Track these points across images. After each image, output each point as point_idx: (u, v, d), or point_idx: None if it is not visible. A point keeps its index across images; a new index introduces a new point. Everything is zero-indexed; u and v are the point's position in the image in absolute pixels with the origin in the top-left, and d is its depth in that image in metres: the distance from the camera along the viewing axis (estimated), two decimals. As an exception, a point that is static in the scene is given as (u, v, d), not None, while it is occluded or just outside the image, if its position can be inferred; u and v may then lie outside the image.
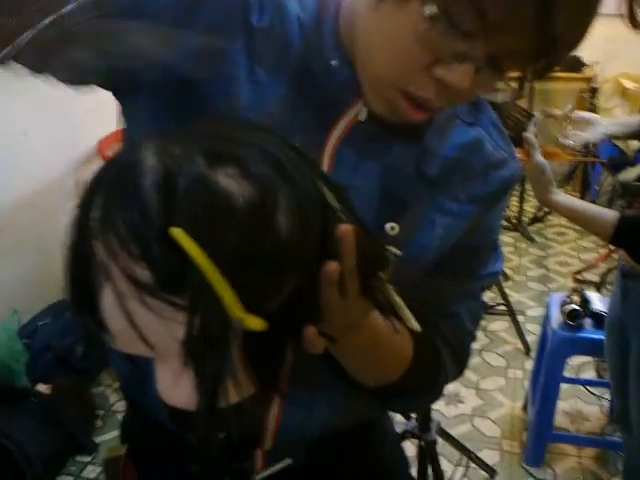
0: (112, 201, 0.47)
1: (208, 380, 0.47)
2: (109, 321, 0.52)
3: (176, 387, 0.52)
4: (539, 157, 1.53)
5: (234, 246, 0.45)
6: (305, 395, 0.78)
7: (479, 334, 2.75)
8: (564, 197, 1.58)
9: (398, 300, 0.59)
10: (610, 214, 1.52)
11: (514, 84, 0.64)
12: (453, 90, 0.59)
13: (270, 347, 0.57)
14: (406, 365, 0.73)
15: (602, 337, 2.08)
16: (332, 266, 0.53)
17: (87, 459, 2.38)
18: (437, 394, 0.86)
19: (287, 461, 0.73)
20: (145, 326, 0.50)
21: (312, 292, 0.55)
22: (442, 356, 0.80)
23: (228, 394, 0.49)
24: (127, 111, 0.73)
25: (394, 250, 0.72)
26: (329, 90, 0.68)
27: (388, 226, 0.72)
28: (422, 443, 1.98)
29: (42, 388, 2.44)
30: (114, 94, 0.71)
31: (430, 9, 0.55)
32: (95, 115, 2.99)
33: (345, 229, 0.52)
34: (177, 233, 0.44)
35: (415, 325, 0.60)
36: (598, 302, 2.24)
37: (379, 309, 0.61)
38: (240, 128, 0.50)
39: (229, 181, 0.46)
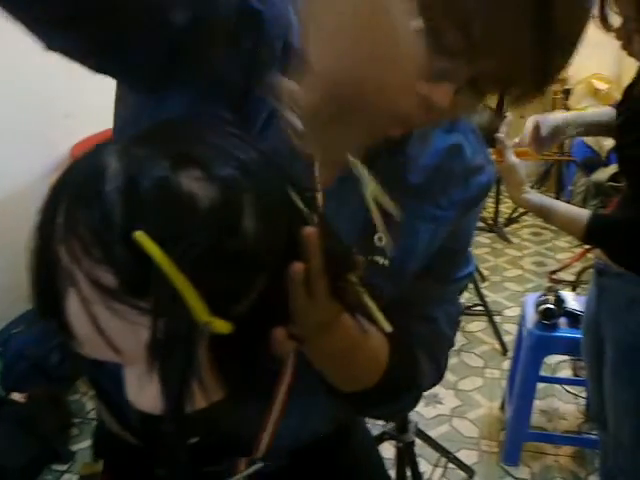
0: (75, 205, 0.46)
1: (174, 384, 0.47)
2: (75, 326, 0.52)
3: (144, 391, 0.52)
4: (512, 157, 1.55)
5: (198, 249, 0.45)
6: (302, 406, 0.78)
7: (457, 335, 2.77)
8: (537, 197, 1.60)
9: (369, 302, 0.59)
10: (583, 213, 1.53)
11: (493, 107, 0.65)
12: (432, 108, 0.59)
13: (239, 350, 0.57)
14: (382, 370, 0.73)
15: (577, 336, 2.10)
16: (298, 267, 0.53)
17: (63, 468, 2.35)
18: (414, 400, 0.85)
19: (259, 465, 0.73)
20: (111, 331, 0.50)
21: (280, 294, 0.55)
22: (419, 361, 0.80)
23: (195, 398, 0.49)
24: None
25: (382, 260, 0.73)
26: None
27: (376, 237, 0.73)
28: (400, 444, 1.98)
29: (17, 397, 2.41)
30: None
31: (416, 23, 0.56)
32: (70, 120, 2.98)
33: (309, 230, 0.52)
34: (140, 237, 0.43)
35: (387, 326, 0.60)
36: (572, 301, 2.26)
37: (349, 311, 0.61)
38: (205, 130, 0.50)
39: (193, 183, 0.45)
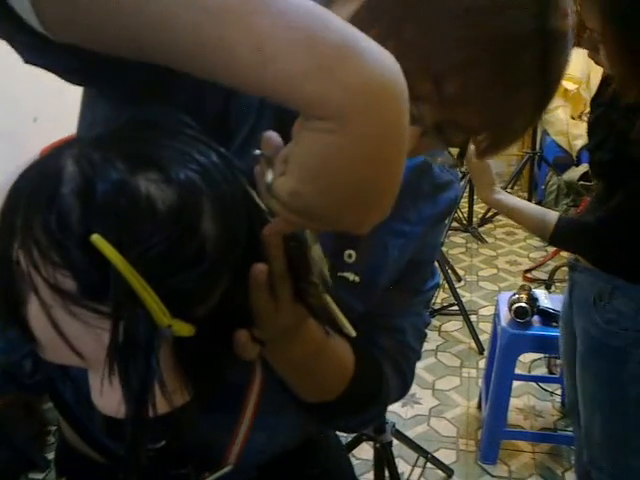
0: (32, 209, 0.46)
1: (135, 388, 0.47)
2: (37, 331, 0.51)
3: (107, 395, 0.52)
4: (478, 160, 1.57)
5: (156, 251, 0.45)
6: (270, 421, 0.78)
7: (434, 335, 2.77)
8: (506, 197, 1.62)
9: (333, 306, 0.59)
10: (550, 215, 1.56)
11: (455, 153, 0.66)
12: None
13: (202, 354, 0.56)
14: (347, 380, 0.73)
15: (550, 334, 2.13)
16: (259, 268, 0.53)
17: (40, 476, 2.33)
18: (379, 412, 0.85)
19: (227, 468, 0.73)
20: (73, 335, 0.50)
21: (243, 296, 0.55)
22: (385, 372, 0.80)
23: (157, 402, 0.49)
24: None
25: (352, 276, 0.74)
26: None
27: (346, 254, 0.73)
28: (377, 445, 1.99)
29: (-10, 405, 2.38)
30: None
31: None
32: (39, 124, 2.95)
33: (269, 230, 0.52)
34: (97, 240, 0.43)
35: (351, 330, 0.60)
36: (545, 299, 2.28)
37: (313, 314, 0.61)
38: (164, 133, 0.50)
39: (151, 186, 0.45)
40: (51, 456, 2.40)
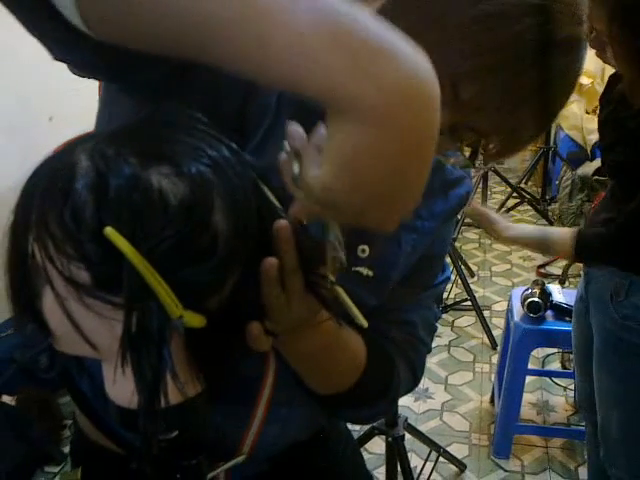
0: (47, 203, 0.47)
1: (147, 378, 0.48)
2: (51, 323, 0.53)
3: (120, 386, 0.53)
4: (474, 206, 1.59)
5: (168, 244, 0.46)
6: (283, 411, 0.79)
7: (447, 330, 2.77)
8: (517, 230, 1.63)
9: (345, 297, 0.60)
10: (567, 233, 1.56)
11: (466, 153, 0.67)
12: None
13: (214, 345, 0.57)
14: (359, 372, 0.73)
15: (563, 328, 2.12)
16: (269, 262, 0.54)
17: (55, 469, 2.36)
18: (390, 405, 0.85)
19: (240, 458, 0.74)
20: (87, 326, 0.51)
21: (255, 289, 0.56)
22: (396, 364, 0.80)
23: (169, 392, 0.49)
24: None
25: (366, 271, 0.74)
26: None
27: (360, 248, 0.74)
28: (390, 439, 2.00)
29: (7, 399, 2.41)
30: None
31: None
32: (54, 123, 2.97)
33: (281, 224, 0.53)
34: (110, 232, 0.44)
35: (363, 321, 0.60)
36: (558, 294, 2.28)
37: (325, 306, 0.62)
38: (176, 128, 0.51)
39: (162, 180, 0.46)
40: (67, 450, 2.42)
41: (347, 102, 0.41)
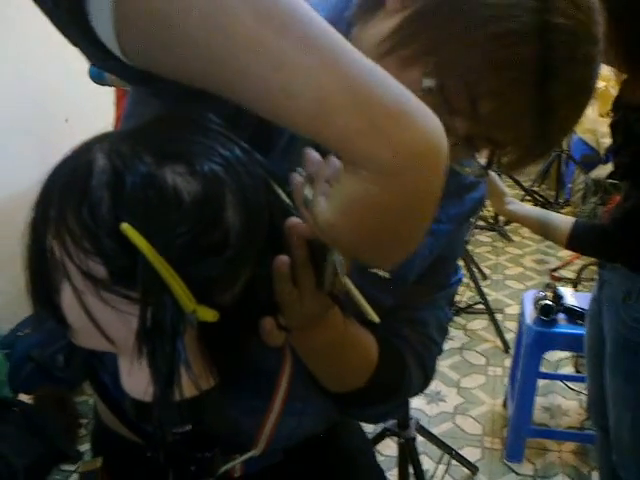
0: (65, 200, 0.49)
1: (162, 370, 0.49)
2: (69, 317, 0.54)
3: (136, 379, 0.54)
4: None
5: (182, 240, 0.47)
6: (299, 405, 0.80)
7: (459, 333, 2.77)
8: (520, 206, 1.63)
9: (356, 293, 0.61)
10: (566, 221, 1.56)
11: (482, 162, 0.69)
12: None
13: (229, 339, 0.59)
14: (371, 370, 0.74)
15: (576, 332, 2.12)
16: (281, 259, 0.56)
17: (72, 467, 2.38)
18: (401, 403, 0.86)
19: (254, 451, 0.75)
20: (104, 321, 0.52)
21: (268, 285, 0.57)
22: (408, 364, 0.81)
23: (183, 385, 0.51)
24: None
25: (382, 273, 0.75)
26: None
27: None
28: (402, 441, 2.00)
29: (24, 398, 2.44)
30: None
31: (428, 82, 0.59)
32: (70, 124, 3.01)
33: (292, 222, 0.55)
34: (126, 228, 0.46)
35: (374, 317, 0.61)
36: (571, 297, 2.28)
37: (336, 301, 0.63)
38: (190, 128, 0.53)
39: (176, 178, 0.48)
40: (83, 448, 2.45)
41: (359, 157, 0.44)
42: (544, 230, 1.61)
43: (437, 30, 0.59)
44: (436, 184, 0.46)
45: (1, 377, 2.45)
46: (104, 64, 0.52)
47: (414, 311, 0.84)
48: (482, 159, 0.69)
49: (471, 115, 0.60)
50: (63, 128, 2.97)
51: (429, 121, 0.44)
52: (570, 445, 2.51)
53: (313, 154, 0.54)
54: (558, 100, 0.60)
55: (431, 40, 0.59)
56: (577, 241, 1.54)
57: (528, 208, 1.66)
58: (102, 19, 0.44)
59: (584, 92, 0.62)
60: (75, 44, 0.50)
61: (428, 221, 0.48)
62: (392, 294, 0.78)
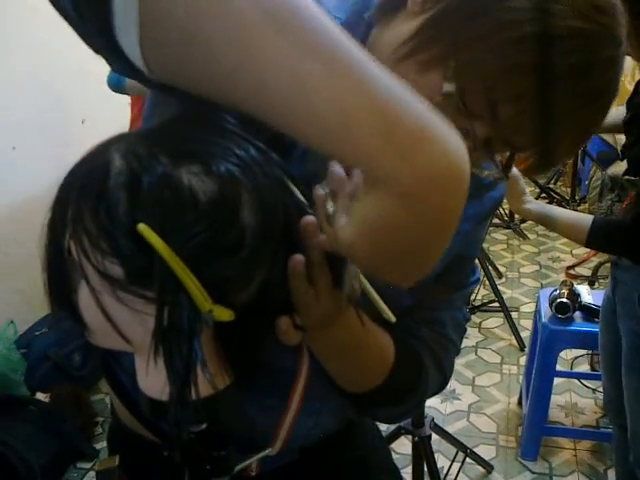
0: (83, 201, 0.49)
1: (178, 370, 0.50)
2: (87, 317, 0.55)
3: (152, 378, 0.55)
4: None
5: (198, 240, 0.48)
6: (316, 405, 0.80)
7: (474, 331, 2.75)
8: (538, 205, 1.62)
9: (373, 292, 0.61)
10: (584, 219, 1.55)
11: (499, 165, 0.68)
12: None
13: (244, 339, 0.59)
14: (387, 371, 0.74)
15: (592, 330, 2.10)
16: (296, 259, 0.56)
17: (87, 465, 2.40)
18: (417, 404, 0.86)
19: (267, 451, 0.75)
20: (120, 320, 0.53)
21: (284, 284, 0.58)
22: (424, 364, 0.81)
23: (200, 384, 0.51)
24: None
25: None
26: None
27: None
28: (416, 439, 2.00)
29: (41, 396, 2.46)
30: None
31: (448, 86, 0.59)
32: (85, 126, 3.03)
33: (307, 221, 0.55)
34: (143, 228, 0.46)
35: (390, 316, 0.61)
36: (587, 295, 2.26)
37: (352, 301, 0.63)
38: (205, 129, 0.53)
39: (192, 178, 0.48)
40: (99, 446, 2.47)
41: (381, 177, 0.44)
42: (562, 228, 1.60)
43: (457, 34, 0.59)
44: (457, 207, 0.46)
45: (17, 377, 2.47)
46: (126, 74, 0.52)
47: (432, 311, 0.84)
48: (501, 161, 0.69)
49: (490, 119, 0.60)
50: (80, 130, 3.00)
51: (452, 143, 0.44)
52: (586, 443, 2.50)
53: (337, 170, 0.54)
54: (580, 104, 0.59)
55: (451, 44, 0.59)
56: (596, 238, 1.52)
57: (545, 206, 1.65)
58: (128, 35, 0.44)
59: (606, 95, 0.61)
60: (97, 52, 0.51)
61: (447, 242, 0.48)
62: (410, 294, 0.78)
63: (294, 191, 0.56)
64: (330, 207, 0.53)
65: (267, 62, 0.42)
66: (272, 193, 0.52)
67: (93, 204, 0.48)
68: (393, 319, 0.61)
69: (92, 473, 2.37)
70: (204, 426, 0.60)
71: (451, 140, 0.44)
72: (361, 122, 0.42)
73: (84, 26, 0.48)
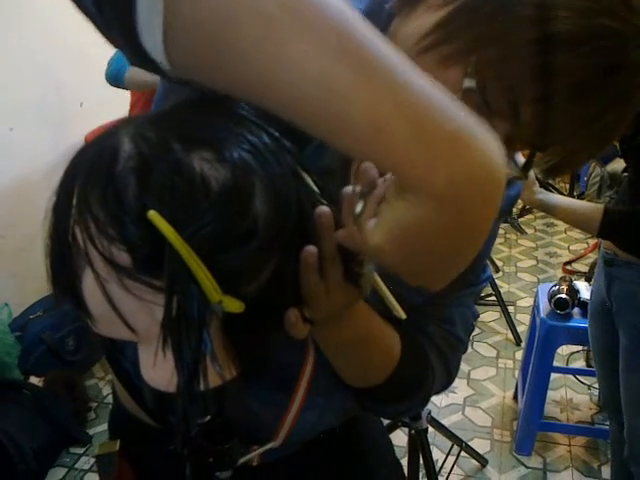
0: (90, 186, 0.47)
1: (187, 361, 0.48)
2: (91, 305, 0.53)
3: (158, 369, 0.53)
4: (520, 159, 1.56)
5: (209, 229, 0.46)
6: (320, 400, 0.79)
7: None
8: (549, 196, 1.61)
9: (383, 288, 0.60)
10: (595, 208, 1.54)
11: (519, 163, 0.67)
12: None
13: (253, 330, 0.58)
14: (393, 367, 0.73)
15: (590, 325, 2.11)
16: (309, 250, 0.54)
17: (80, 451, 2.40)
18: (423, 400, 0.84)
19: (270, 445, 0.74)
20: (126, 309, 0.51)
21: (294, 276, 0.56)
22: (431, 361, 0.80)
23: (208, 376, 0.50)
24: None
25: None
26: None
27: None
28: (413, 431, 1.99)
29: (35, 380, 2.45)
30: None
31: (469, 82, 0.57)
32: (85, 109, 3.01)
33: (322, 210, 0.53)
34: (153, 216, 0.44)
35: (401, 312, 0.60)
36: (586, 291, 2.25)
37: (362, 296, 0.61)
38: (217, 114, 0.51)
39: (204, 165, 0.46)
40: (91, 432, 2.46)
41: (416, 183, 0.42)
42: (574, 219, 1.59)
43: (480, 28, 0.57)
44: (493, 211, 0.44)
45: (11, 360, 2.46)
46: (147, 69, 0.50)
47: (441, 308, 0.82)
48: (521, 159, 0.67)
49: (512, 119, 0.58)
50: (78, 112, 2.97)
51: (488, 148, 0.42)
52: (580, 439, 2.50)
53: (370, 170, 0.52)
54: (603, 109, 0.57)
55: (474, 38, 0.56)
56: (609, 227, 1.51)
57: (555, 197, 1.64)
58: (151, 35, 0.42)
59: (631, 100, 0.59)
60: (117, 46, 0.49)
61: (480, 246, 0.47)
62: (422, 291, 0.76)
63: (307, 181, 0.54)
64: (358, 208, 0.51)
65: (295, 66, 0.40)
66: (285, 182, 0.51)
67: (100, 189, 0.47)
68: (403, 316, 0.60)
69: (85, 458, 2.36)
70: (207, 418, 0.58)
71: (488, 144, 0.42)
72: (395, 127, 0.40)
73: (105, 23, 0.45)
